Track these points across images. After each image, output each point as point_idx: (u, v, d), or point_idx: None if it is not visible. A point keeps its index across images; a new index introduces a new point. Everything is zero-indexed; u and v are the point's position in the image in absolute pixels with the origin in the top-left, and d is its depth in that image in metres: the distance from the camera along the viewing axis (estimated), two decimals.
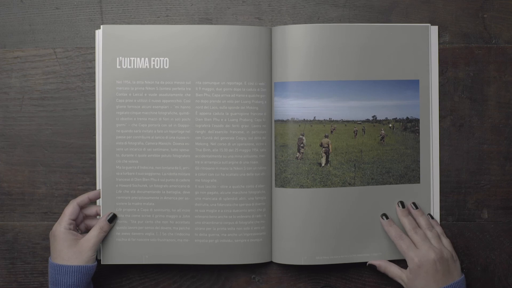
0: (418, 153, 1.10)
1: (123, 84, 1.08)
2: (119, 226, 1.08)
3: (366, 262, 1.10)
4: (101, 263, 1.09)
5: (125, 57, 1.08)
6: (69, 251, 1.02)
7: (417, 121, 1.10)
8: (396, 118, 1.10)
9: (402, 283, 1.06)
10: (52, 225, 1.08)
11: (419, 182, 1.10)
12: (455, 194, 1.12)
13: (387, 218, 1.08)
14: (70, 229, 1.04)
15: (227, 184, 1.08)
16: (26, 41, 1.13)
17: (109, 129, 1.08)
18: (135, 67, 1.08)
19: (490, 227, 1.13)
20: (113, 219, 1.07)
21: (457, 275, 1.03)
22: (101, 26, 1.09)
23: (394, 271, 1.07)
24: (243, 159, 1.08)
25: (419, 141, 1.10)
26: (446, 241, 1.07)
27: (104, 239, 1.07)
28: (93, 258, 1.04)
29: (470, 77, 1.13)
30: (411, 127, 1.10)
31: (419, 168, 1.10)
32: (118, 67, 1.08)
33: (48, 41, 1.13)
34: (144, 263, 1.09)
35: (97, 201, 1.09)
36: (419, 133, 1.10)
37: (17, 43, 1.13)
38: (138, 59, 1.08)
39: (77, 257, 1.02)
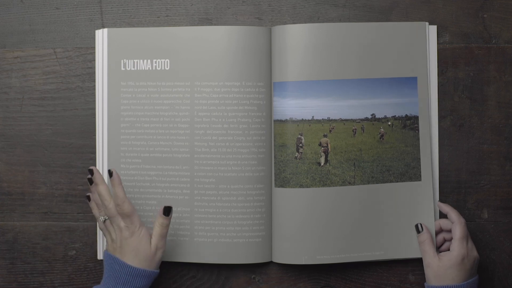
0: (418, 150, 1.09)
1: (127, 85, 1.10)
2: None
3: (367, 261, 1.10)
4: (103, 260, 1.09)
5: (129, 59, 1.10)
6: (147, 251, 1.01)
7: (416, 118, 1.09)
8: (395, 116, 1.09)
9: (430, 265, 1.04)
10: (52, 225, 1.08)
11: (420, 180, 1.09)
12: (455, 194, 1.12)
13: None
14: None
15: (226, 183, 1.08)
16: (26, 41, 1.13)
17: (114, 129, 1.10)
18: (138, 69, 1.10)
19: (490, 227, 1.12)
20: (169, 211, 1.03)
21: (474, 274, 1.05)
22: (106, 29, 1.09)
23: (432, 252, 1.05)
24: (241, 159, 1.08)
25: (419, 139, 1.09)
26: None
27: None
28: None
29: (470, 77, 1.13)
30: (410, 124, 1.10)
31: (420, 165, 1.09)
32: (122, 69, 1.10)
33: (48, 41, 1.13)
34: None
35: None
36: (418, 130, 1.10)
37: (17, 43, 1.13)
38: (141, 61, 1.10)
39: (151, 262, 1.01)
